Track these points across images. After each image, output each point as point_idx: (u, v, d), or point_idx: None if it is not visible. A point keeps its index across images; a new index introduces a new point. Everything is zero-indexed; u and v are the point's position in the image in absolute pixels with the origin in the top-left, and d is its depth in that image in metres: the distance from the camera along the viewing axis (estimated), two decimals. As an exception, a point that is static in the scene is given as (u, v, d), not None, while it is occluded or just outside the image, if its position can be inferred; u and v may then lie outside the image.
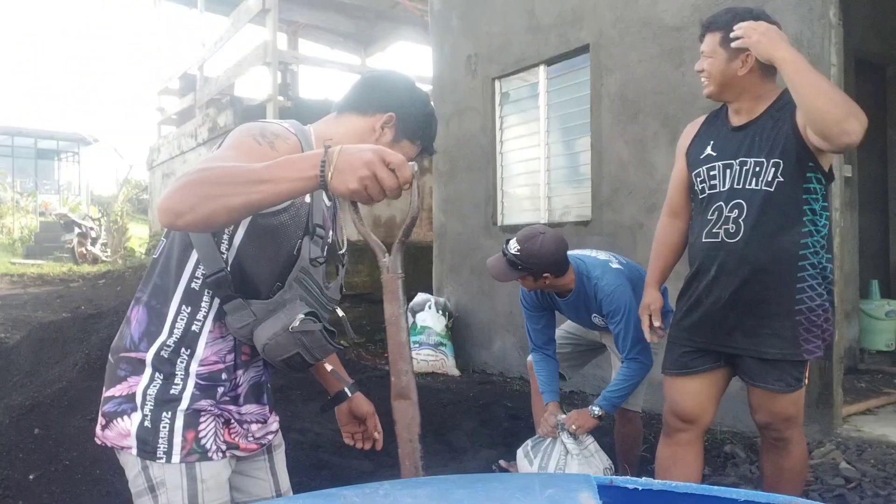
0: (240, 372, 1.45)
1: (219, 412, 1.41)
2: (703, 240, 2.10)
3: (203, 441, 1.37)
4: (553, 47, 4.86)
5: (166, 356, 1.38)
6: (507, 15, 5.25)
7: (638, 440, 2.91)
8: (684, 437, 2.21)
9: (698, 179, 2.13)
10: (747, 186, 2.01)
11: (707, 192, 2.10)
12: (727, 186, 2.05)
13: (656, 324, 2.24)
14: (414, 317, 5.51)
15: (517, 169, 5.34)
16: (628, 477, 1.02)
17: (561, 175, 4.97)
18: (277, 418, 1.59)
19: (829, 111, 1.77)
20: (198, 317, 1.40)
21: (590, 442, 2.73)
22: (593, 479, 0.99)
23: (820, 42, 3.31)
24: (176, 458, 1.34)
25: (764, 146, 1.98)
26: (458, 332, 5.55)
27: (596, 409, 2.61)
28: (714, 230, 2.07)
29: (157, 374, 1.38)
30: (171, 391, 1.37)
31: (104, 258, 13.74)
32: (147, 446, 1.34)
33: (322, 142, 1.26)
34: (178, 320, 1.40)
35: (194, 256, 1.40)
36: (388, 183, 1.11)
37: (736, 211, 2.02)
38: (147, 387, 1.38)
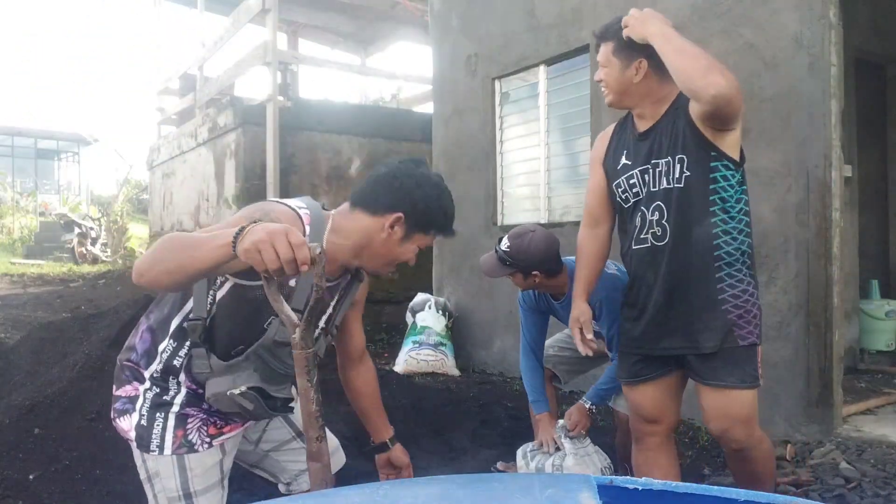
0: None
1: (204, 416, 1.63)
2: (634, 247, 2.12)
3: (190, 437, 1.60)
4: (553, 47, 4.85)
5: (158, 377, 1.63)
6: (507, 15, 5.24)
7: None
8: (653, 441, 2.20)
9: (619, 190, 2.14)
10: (662, 187, 2.03)
11: (631, 200, 2.12)
12: (645, 191, 2.07)
13: (588, 336, 2.16)
14: (414, 317, 5.51)
15: (517, 169, 5.33)
16: (628, 477, 1.02)
17: (561, 175, 4.96)
18: None
19: (692, 66, 1.82)
20: (180, 353, 1.60)
21: (587, 443, 2.74)
22: (593, 479, 0.99)
23: (820, 42, 3.32)
24: (167, 451, 1.58)
25: (667, 145, 2.02)
26: (458, 331, 5.55)
27: (589, 404, 2.70)
28: (642, 236, 2.09)
29: (154, 385, 1.63)
30: (164, 397, 1.62)
31: (104, 258, 13.77)
32: (143, 441, 1.59)
33: (336, 232, 1.57)
34: (164, 353, 1.61)
35: (188, 301, 1.58)
36: (283, 254, 1.21)
37: (657, 213, 2.04)
38: (146, 391, 1.63)
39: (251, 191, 7.05)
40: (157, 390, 1.62)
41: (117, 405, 1.66)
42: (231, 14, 8.95)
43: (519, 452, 2.86)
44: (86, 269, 12.13)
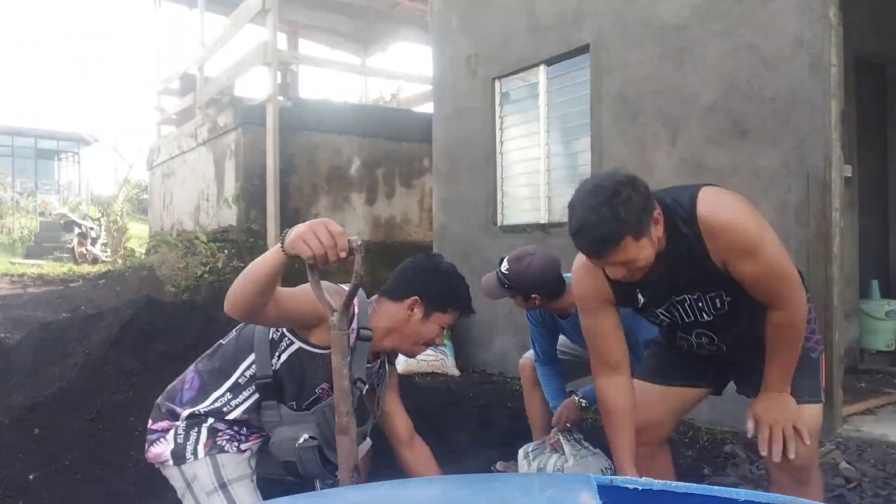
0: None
1: (232, 433, 1.89)
2: (678, 346, 2.02)
3: (220, 443, 1.86)
4: (553, 47, 4.85)
5: (198, 415, 1.88)
6: (507, 15, 5.24)
7: None
8: (645, 451, 2.01)
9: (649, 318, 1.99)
10: (702, 319, 1.87)
11: (664, 324, 1.97)
12: (682, 321, 1.90)
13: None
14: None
15: (517, 169, 5.32)
16: (628, 477, 1.02)
17: (561, 175, 4.95)
18: None
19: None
20: (232, 403, 1.86)
21: (587, 445, 2.74)
22: (593, 479, 0.99)
23: (820, 42, 3.32)
24: (201, 455, 1.82)
25: (695, 283, 1.81)
26: (458, 332, 5.54)
27: (579, 398, 2.72)
28: (693, 350, 1.99)
29: (188, 421, 1.89)
30: (198, 420, 1.88)
31: (104, 258, 13.74)
32: (179, 455, 1.84)
33: (373, 314, 1.86)
34: (218, 401, 1.87)
35: (251, 357, 1.84)
36: (325, 240, 1.40)
37: (705, 339, 1.92)
38: (182, 422, 1.89)
39: (251, 191, 7.06)
40: (191, 422, 1.88)
41: (152, 437, 1.92)
42: (231, 14, 8.95)
43: (521, 452, 2.86)
44: (86, 268, 12.11)
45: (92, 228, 14.23)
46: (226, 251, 7.41)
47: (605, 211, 1.55)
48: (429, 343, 1.91)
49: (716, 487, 0.96)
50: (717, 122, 3.76)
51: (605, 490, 0.97)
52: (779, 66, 3.50)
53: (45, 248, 15.29)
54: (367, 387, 1.89)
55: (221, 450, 1.84)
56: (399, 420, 2.06)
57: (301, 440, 1.77)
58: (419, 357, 5.05)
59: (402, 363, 5.20)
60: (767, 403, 1.84)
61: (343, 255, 1.42)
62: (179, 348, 3.68)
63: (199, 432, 1.85)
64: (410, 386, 4.48)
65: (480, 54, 5.52)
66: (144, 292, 6.11)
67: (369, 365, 1.89)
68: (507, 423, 3.59)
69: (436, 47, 6.16)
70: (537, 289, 2.49)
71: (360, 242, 1.45)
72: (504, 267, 2.52)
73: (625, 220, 1.55)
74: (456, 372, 5.22)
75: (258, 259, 1.53)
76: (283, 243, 1.45)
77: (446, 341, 5.37)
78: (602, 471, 2.64)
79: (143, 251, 12.20)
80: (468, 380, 5.05)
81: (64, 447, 2.86)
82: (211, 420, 1.86)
